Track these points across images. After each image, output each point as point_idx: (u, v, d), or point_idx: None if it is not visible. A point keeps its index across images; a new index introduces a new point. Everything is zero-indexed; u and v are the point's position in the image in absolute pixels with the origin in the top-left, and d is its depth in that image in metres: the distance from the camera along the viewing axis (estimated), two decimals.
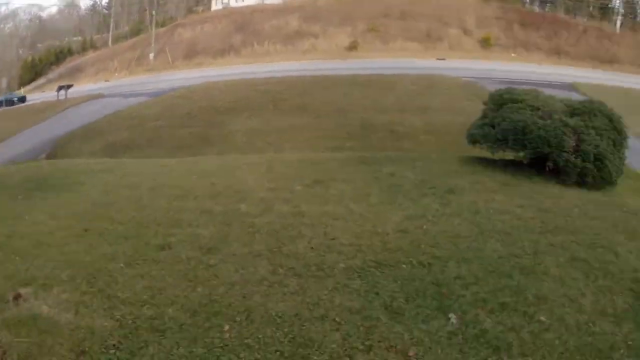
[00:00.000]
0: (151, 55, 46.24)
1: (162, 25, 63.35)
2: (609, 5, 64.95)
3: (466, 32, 44.34)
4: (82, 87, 40.96)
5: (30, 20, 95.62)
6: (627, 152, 10.43)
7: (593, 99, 11.01)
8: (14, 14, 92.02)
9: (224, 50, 45.80)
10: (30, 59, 76.52)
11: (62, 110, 28.65)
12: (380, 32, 44.38)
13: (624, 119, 10.50)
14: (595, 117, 9.92)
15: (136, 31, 74.30)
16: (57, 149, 18.95)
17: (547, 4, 66.07)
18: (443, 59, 35.34)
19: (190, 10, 78.88)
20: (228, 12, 56.52)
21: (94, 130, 20.18)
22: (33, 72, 72.00)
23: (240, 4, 60.49)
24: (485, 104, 10.81)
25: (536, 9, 62.83)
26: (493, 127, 9.82)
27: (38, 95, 45.79)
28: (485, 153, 10.22)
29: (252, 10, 53.91)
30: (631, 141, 10.92)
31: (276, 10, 52.35)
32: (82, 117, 23.61)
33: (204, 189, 8.25)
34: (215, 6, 65.96)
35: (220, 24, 52.13)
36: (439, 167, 9.52)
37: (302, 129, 16.08)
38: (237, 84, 24.36)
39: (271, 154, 12.68)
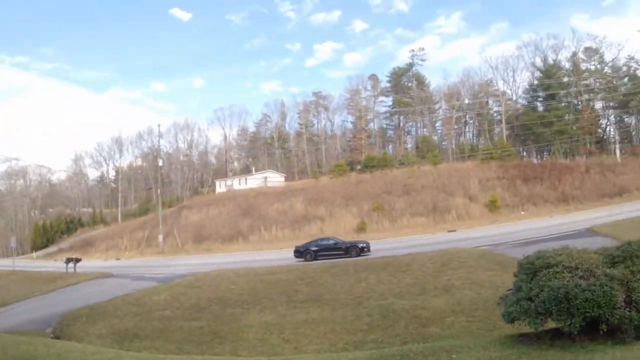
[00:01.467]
0: (160, 237, 48.31)
1: (169, 206, 68.26)
2: (604, 137, 67.82)
3: (471, 198, 45.57)
4: (92, 262, 42.37)
5: (40, 182, 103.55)
6: None
7: (621, 239, 10.24)
8: (24, 171, 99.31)
9: (232, 236, 47.62)
10: (41, 223, 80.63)
11: (73, 284, 29.41)
12: (385, 210, 46.21)
13: None
14: (638, 259, 9.20)
15: (144, 209, 79.71)
16: (63, 327, 18.77)
17: (545, 152, 69.80)
18: (454, 231, 35.73)
19: (195, 191, 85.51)
20: (232, 195, 59.43)
21: (100, 312, 20.30)
22: (44, 237, 75.59)
23: (243, 186, 64.59)
24: (516, 275, 10.11)
25: (534, 160, 66.44)
26: (531, 299, 8.88)
27: (49, 263, 47.12)
28: (523, 326, 9.13)
29: (256, 193, 57.18)
30: None
31: (279, 193, 55.43)
32: (90, 295, 24.13)
33: None
34: (220, 188, 70.84)
35: (226, 207, 54.77)
36: (479, 356, 8.26)
37: (319, 322, 15.88)
38: (247, 273, 24.93)
39: (288, 355, 12.16)
